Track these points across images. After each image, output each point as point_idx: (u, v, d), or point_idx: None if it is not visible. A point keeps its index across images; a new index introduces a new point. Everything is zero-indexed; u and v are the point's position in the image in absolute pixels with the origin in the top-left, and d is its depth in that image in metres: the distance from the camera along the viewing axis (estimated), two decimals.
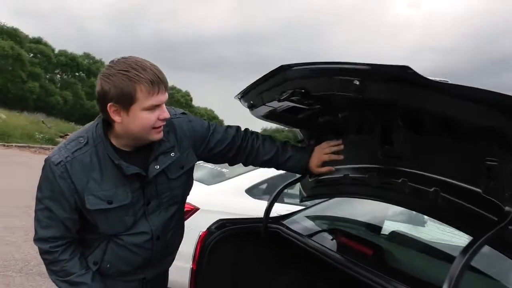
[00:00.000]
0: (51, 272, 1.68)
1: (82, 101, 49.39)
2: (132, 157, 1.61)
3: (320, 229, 2.23)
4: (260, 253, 2.23)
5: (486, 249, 1.23)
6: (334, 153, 1.91)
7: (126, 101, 1.48)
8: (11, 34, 43.31)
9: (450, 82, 1.03)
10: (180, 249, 2.19)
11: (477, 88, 1.00)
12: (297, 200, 2.95)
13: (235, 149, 1.88)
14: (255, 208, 3.42)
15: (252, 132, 1.95)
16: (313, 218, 2.34)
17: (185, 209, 3.79)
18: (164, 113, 1.55)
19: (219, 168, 4.80)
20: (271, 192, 3.97)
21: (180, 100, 51.94)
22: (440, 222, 1.87)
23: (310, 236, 2.05)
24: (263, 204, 2.30)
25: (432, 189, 1.47)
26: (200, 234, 2.20)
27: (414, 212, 4.38)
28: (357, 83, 1.16)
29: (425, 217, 4.53)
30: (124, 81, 1.45)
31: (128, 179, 1.60)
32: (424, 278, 1.67)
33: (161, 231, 1.73)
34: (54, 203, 1.58)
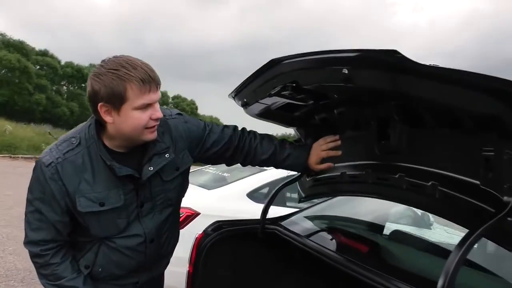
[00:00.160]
0: (42, 276, 1.64)
1: (89, 112, 49.13)
2: (125, 159, 1.57)
3: (318, 229, 2.18)
4: (258, 254, 2.18)
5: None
6: (331, 149, 1.88)
7: (117, 101, 1.44)
8: (18, 47, 43.83)
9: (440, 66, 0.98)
10: (177, 254, 2.15)
11: (470, 72, 0.95)
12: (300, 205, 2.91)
13: (232, 149, 1.84)
14: (257, 212, 3.35)
15: (250, 132, 1.91)
16: (312, 218, 2.29)
17: (186, 214, 3.84)
18: (157, 112, 1.50)
19: (220, 173, 4.77)
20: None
21: (185, 109, 52.08)
22: (444, 221, 1.81)
23: (308, 236, 2.00)
24: (270, 218, 2.26)
25: (430, 183, 1.42)
26: (197, 236, 2.16)
27: (419, 214, 4.31)
28: (346, 71, 1.13)
29: (431, 219, 4.46)
30: (114, 80, 1.41)
31: (121, 181, 1.56)
32: (424, 275, 1.61)
33: (155, 234, 1.68)
34: (45, 206, 1.54)
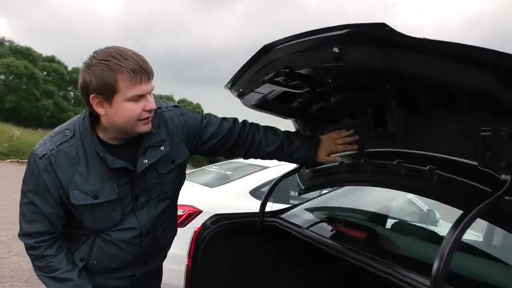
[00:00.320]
0: (37, 268, 1.63)
1: None
2: (120, 151, 1.55)
3: (318, 220, 2.15)
4: (257, 247, 2.16)
5: None
6: (347, 143, 1.83)
7: (108, 92, 1.42)
8: (25, 54, 44.32)
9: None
10: (179, 251, 2.13)
11: (462, 44, 0.92)
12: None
13: (232, 141, 1.79)
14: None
15: (252, 124, 1.87)
16: (312, 210, 2.26)
17: (189, 212, 3.82)
18: (150, 104, 1.47)
19: (223, 172, 4.76)
20: (275, 193, 3.90)
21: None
22: (451, 217, 1.78)
23: (308, 227, 1.97)
24: (268, 205, 2.23)
25: (427, 168, 1.39)
26: (195, 230, 2.14)
27: (425, 211, 4.26)
28: (337, 50, 1.10)
29: (437, 215, 4.40)
30: (105, 71, 1.39)
31: (115, 174, 1.54)
32: (424, 261, 1.58)
33: (151, 227, 1.66)
34: (38, 198, 1.53)
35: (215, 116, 1.82)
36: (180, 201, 3.89)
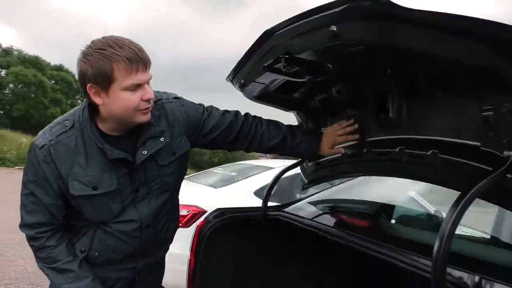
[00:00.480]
0: (39, 259, 1.62)
1: None
2: (119, 142, 1.54)
3: (321, 212, 2.12)
4: (260, 241, 2.14)
5: None
6: (348, 133, 1.81)
7: (105, 81, 1.40)
8: (33, 62, 44.84)
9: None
10: (179, 251, 2.11)
11: (461, 16, 0.91)
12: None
13: (234, 134, 1.77)
14: None
15: (255, 117, 1.85)
16: (314, 203, 2.24)
17: (193, 212, 3.81)
18: (147, 93, 1.45)
19: (228, 173, 4.75)
20: (280, 193, 3.89)
21: None
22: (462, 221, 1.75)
23: (311, 218, 1.95)
24: (273, 205, 2.22)
25: (430, 152, 1.37)
26: (198, 224, 2.12)
27: (432, 210, 4.21)
28: (334, 29, 1.09)
29: (444, 214, 4.34)
30: (101, 60, 1.38)
31: (114, 165, 1.52)
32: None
33: (151, 220, 1.64)
34: (38, 188, 1.53)
35: (217, 109, 1.80)
36: (185, 201, 3.90)
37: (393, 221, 2.13)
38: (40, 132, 1.55)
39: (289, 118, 2.10)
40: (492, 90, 1.10)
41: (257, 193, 4.04)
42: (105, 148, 1.49)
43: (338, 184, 2.46)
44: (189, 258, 2.11)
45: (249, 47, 1.62)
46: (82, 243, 1.63)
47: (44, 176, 1.50)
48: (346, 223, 2.00)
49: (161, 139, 1.59)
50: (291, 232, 2.06)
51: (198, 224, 2.14)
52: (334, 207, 2.23)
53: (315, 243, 1.90)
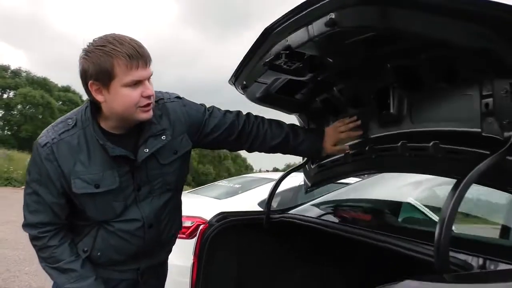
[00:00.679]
0: (41, 259, 1.62)
1: None
2: (121, 140, 1.55)
3: (324, 212, 2.10)
4: (263, 244, 2.12)
5: None
6: (351, 130, 1.80)
7: (105, 78, 1.42)
8: (42, 84, 45.50)
9: None
10: (183, 263, 2.09)
11: None
12: None
13: (236, 133, 1.77)
14: None
15: (257, 116, 1.85)
16: (317, 205, 2.23)
17: (197, 223, 3.79)
18: (148, 90, 1.46)
19: (232, 185, 4.75)
20: (284, 205, 3.87)
21: None
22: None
23: (316, 217, 1.93)
24: (276, 209, 2.21)
25: (431, 143, 1.37)
26: (201, 228, 2.11)
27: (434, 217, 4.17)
28: (333, 16, 1.11)
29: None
30: (102, 57, 1.40)
31: (116, 162, 1.53)
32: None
33: (154, 219, 1.64)
34: (41, 187, 1.53)
35: (219, 109, 1.81)
36: (189, 212, 3.90)
37: (405, 220, 2.11)
38: (43, 131, 1.57)
39: (289, 119, 2.10)
40: (490, 74, 1.11)
41: (261, 204, 4.02)
42: (106, 145, 1.50)
43: (341, 188, 2.44)
44: (192, 262, 2.10)
45: (250, 46, 1.64)
46: (84, 242, 1.62)
47: (47, 174, 1.51)
48: (350, 220, 1.98)
49: (162, 137, 1.60)
50: (295, 235, 2.04)
51: (201, 227, 2.12)
52: (337, 207, 2.21)
53: (318, 246, 1.88)
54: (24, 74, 46.37)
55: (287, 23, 1.36)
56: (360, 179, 3.33)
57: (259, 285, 2.11)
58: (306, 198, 3.12)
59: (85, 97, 1.57)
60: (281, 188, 4.06)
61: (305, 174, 2.22)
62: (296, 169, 2.13)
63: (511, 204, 1.71)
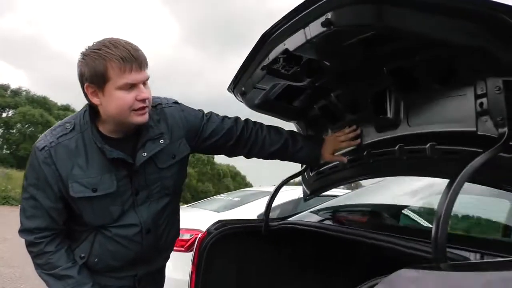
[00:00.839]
0: (37, 266, 1.60)
1: None
2: (119, 144, 1.56)
3: (323, 218, 2.10)
4: (262, 251, 2.11)
5: None
6: (351, 139, 1.81)
7: (100, 80, 1.44)
8: (41, 102, 45.65)
9: None
10: (182, 277, 2.07)
11: None
12: None
13: (234, 139, 1.78)
14: None
15: (255, 123, 1.86)
16: (316, 212, 2.22)
17: (196, 236, 3.77)
18: (142, 93, 1.46)
19: (231, 199, 4.74)
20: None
21: (202, 158, 52.30)
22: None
23: (316, 222, 1.92)
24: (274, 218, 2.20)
25: (428, 145, 1.38)
26: (199, 236, 2.10)
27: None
28: (329, 16, 1.13)
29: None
30: (97, 60, 1.42)
31: (114, 166, 1.53)
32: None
33: (152, 224, 1.64)
34: (39, 192, 1.53)
35: (217, 114, 1.82)
36: (188, 225, 3.88)
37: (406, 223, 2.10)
38: (42, 135, 1.57)
39: (288, 127, 2.11)
40: (484, 73, 1.13)
41: (260, 216, 4.00)
42: (104, 148, 1.51)
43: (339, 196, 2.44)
44: (190, 270, 2.08)
45: (249, 52, 1.66)
46: (82, 248, 1.61)
47: (44, 178, 1.51)
48: (350, 223, 1.97)
49: (160, 141, 1.60)
50: (294, 242, 2.03)
51: (199, 236, 2.11)
52: (335, 212, 2.21)
53: (317, 253, 1.87)
54: (24, 93, 46.64)
55: (284, 27, 1.38)
56: (350, 191, 3.36)
57: None
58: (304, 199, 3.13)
59: None
60: (280, 201, 4.11)
61: (303, 182, 2.22)
62: (295, 176, 2.14)
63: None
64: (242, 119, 1.86)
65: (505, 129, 1.08)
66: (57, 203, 1.54)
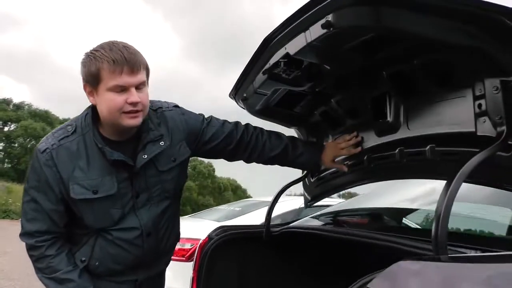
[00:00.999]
0: (38, 270, 1.60)
1: None
2: (120, 146, 1.57)
3: (324, 223, 2.09)
4: (263, 257, 2.10)
5: None
6: (352, 146, 1.81)
7: (94, 81, 1.48)
8: (43, 116, 45.86)
9: None
10: (176, 286, 2.06)
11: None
12: None
13: (235, 143, 1.79)
14: None
15: (256, 127, 1.87)
16: (317, 216, 2.22)
17: (196, 245, 3.76)
18: (132, 96, 1.47)
19: (232, 208, 4.74)
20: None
21: (202, 171, 52.30)
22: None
23: (315, 227, 1.92)
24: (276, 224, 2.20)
25: (428, 147, 1.39)
26: (200, 242, 2.10)
27: None
28: (329, 18, 1.15)
29: None
30: (91, 60, 1.47)
31: (115, 168, 1.55)
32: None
33: (152, 228, 1.65)
34: (40, 194, 1.54)
35: (217, 118, 1.84)
36: (188, 234, 3.87)
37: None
38: (43, 138, 1.59)
39: (290, 132, 2.13)
40: (482, 74, 1.15)
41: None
42: (105, 149, 1.53)
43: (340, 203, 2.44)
44: (191, 276, 2.07)
45: (250, 58, 1.68)
46: (82, 252, 1.62)
47: (46, 180, 1.52)
48: (351, 225, 1.97)
49: (160, 143, 1.62)
50: (295, 247, 2.02)
51: (200, 241, 2.11)
52: (336, 217, 2.21)
53: (318, 258, 1.86)
54: (26, 107, 46.88)
55: (285, 31, 1.41)
56: (343, 200, 3.35)
57: None
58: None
59: None
60: (281, 210, 4.10)
61: (304, 188, 2.22)
62: (296, 181, 2.14)
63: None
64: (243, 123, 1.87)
65: (504, 128, 1.09)
66: (58, 205, 1.55)
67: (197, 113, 1.83)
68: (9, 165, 43.87)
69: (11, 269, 7.37)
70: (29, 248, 1.58)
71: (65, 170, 1.52)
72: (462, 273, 0.74)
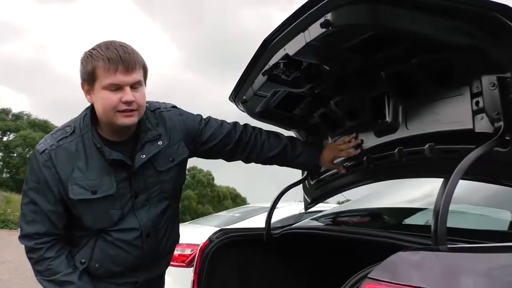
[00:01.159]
0: (37, 273, 1.60)
1: None
2: (119, 147, 1.58)
3: (324, 224, 2.10)
4: (264, 260, 2.10)
5: None
6: (352, 148, 1.82)
7: (90, 79, 1.50)
8: (42, 126, 45.87)
9: None
10: None
11: None
12: None
13: (233, 143, 1.79)
14: None
15: (254, 127, 1.87)
16: (317, 218, 2.22)
17: (196, 251, 3.74)
18: (127, 95, 1.47)
19: (232, 215, 4.74)
20: None
21: (202, 180, 52.22)
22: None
23: (315, 227, 1.93)
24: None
25: (427, 146, 1.41)
26: (201, 245, 2.10)
27: None
28: (328, 17, 1.17)
29: None
30: (88, 59, 1.49)
31: (113, 168, 1.55)
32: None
33: (151, 228, 1.65)
34: (39, 195, 1.54)
35: (215, 119, 1.84)
36: (189, 240, 3.86)
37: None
38: (42, 139, 1.60)
39: (289, 134, 2.14)
40: (479, 72, 1.16)
41: None
42: (104, 149, 1.53)
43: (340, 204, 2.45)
44: (192, 279, 2.07)
45: (250, 59, 1.70)
46: (82, 254, 1.62)
47: (45, 181, 1.53)
48: (352, 224, 1.98)
49: (159, 143, 1.63)
50: (295, 250, 2.02)
51: (201, 244, 2.11)
52: (336, 217, 2.21)
53: (319, 260, 1.86)
54: (25, 117, 46.92)
55: (284, 32, 1.43)
56: (337, 204, 3.36)
57: None
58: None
59: None
60: (281, 216, 4.10)
61: (304, 191, 2.23)
62: (297, 184, 2.15)
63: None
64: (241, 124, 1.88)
65: (501, 123, 1.11)
66: (57, 206, 1.55)
67: (195, 113, 1.83)
68: (8, 175, 43.76)
69: (9, 278, 7.36)
70: (28, 251, 1.58)
71: (64, 171, 1.53)
72: (461, 263, 0.75)
